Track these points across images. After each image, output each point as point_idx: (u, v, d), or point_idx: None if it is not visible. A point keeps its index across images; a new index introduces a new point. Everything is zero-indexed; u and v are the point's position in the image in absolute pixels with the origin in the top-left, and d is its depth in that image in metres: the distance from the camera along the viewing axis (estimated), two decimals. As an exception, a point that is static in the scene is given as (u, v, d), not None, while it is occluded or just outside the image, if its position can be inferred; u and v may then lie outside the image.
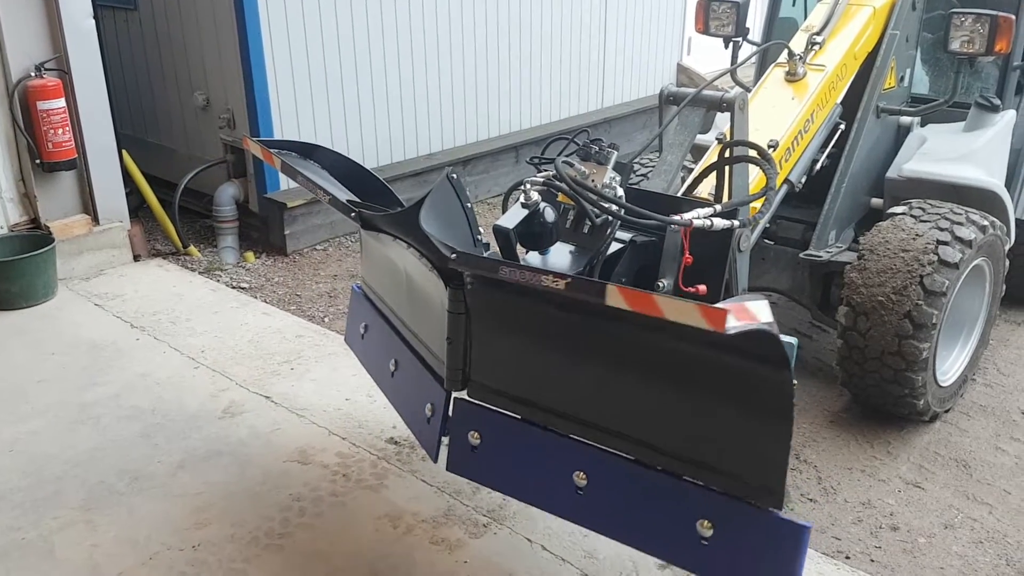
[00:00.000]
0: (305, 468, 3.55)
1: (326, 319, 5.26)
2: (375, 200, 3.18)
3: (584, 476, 2.45)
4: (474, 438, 2.69)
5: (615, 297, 2.04)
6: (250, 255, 6.06)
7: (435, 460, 2.84)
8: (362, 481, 3.47)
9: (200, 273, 5.68)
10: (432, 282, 2.74)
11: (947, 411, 4.24)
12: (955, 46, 4.07)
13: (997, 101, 4.45)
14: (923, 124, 4.66)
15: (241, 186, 6.16)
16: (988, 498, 3.65)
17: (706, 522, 2.27)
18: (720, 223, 2.98)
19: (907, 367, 3.84)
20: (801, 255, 4.29)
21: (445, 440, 2.77)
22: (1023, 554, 3.30)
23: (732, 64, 5.32)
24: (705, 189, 3.55)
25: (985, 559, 3.27)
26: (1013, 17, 4.03)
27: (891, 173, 4.39)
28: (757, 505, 2.22)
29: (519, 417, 2.64)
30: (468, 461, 2.73)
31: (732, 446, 2.23)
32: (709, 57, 9.36)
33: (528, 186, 2.91)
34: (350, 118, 6.38)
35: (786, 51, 4.20)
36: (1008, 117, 4.52)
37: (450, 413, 2.76)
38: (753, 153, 3.27)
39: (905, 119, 4.55)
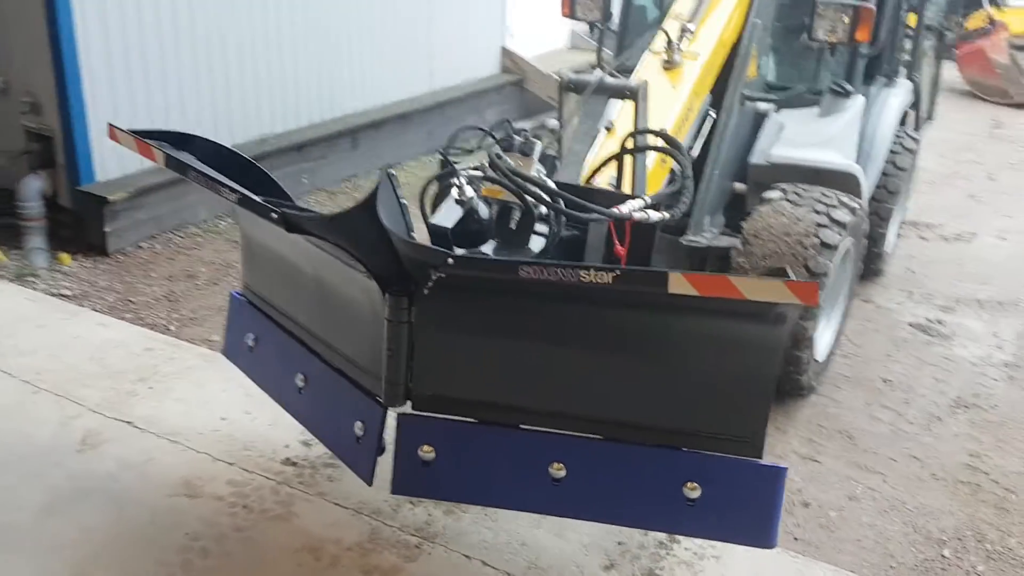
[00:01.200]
0: (196, 502, 3.13)
1: (172, 327, 4.72)
2: (261, 194, 2.85)
3: (562, 466, 2.40)
4: (426, 452, 2.48)
5: (680, 284, 1.99)
6: (65, 257, 5.34)
7: (370, 483, 2.57)
8: (267, 511, 3.11)
9: (10, 281, 4.94)
10: (362, 289, 2.48)
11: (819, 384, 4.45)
12: (819, 35, 4.22)
13: (850, 87, 4.67)
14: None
15: (49, 178, 5.41)
16: (878, 467, 3.83)
17: (691, 483, 2.34)
18: (655, 215, 2.91)
19: (794, 346, 3.96)
20: (682, 240, 4.31)
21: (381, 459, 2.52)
22: (925, 519, 3.48)
23: (599, 49, 5.29)
24: (604, 179, 3.46)
25: (894, 528, 3.42)
26: (874, 7, 4.23)
27: (756, 159, 4.50)
28: (740, 456, 2.33)
29: (477, 421, 2.48)
30: (420, 479, 2.53)
31: (716, 405, 2.31)
32: (531, 41, 9.39)
33: (462, 180, 2.69)
34: (171, 101, 5.77)
35: (659, 39, 4.18)
36: (859, 102, 4.76)
37: (385, 430, 2.51)
38: (657, 142, 3.22)
39: (762, 106, 4.68)
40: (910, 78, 5.90)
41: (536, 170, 2.89)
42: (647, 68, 4.10)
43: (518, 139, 2.89)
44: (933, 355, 4.83)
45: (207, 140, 3.06)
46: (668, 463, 2.37)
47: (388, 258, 2.35)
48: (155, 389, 3.83)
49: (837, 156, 4.45)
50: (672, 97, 3.99)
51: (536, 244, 2.86)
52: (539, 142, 2.93)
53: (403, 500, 3.12)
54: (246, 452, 3.43)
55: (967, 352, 4.88)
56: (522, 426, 2.47)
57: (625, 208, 2.81)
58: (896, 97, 5.54)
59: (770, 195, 4.18)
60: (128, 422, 3.57)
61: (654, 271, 2.13)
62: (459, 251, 2.61)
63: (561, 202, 2.70)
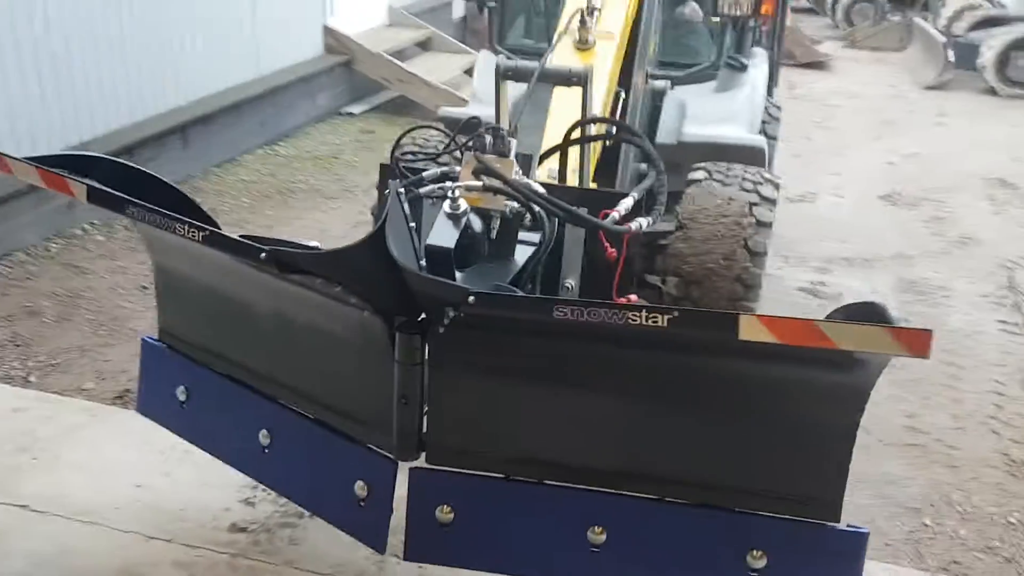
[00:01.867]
0: (145, 597, 2.64)
1: (32, 378, 4.00)
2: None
3: (602, 530, 2.12)
4: (445, 513, 2.18)
5: (754, 330, 1.70)
6: None
7: (384, 550, 2.25)
8: (234, 593, 2.67)
9: None
10: (357, 328, 2.15)
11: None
12: (724, 9, 4.17)
13: (746, 61, 4.68)
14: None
15: None
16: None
17: (756, 551, 2.06)
18: (644, 222, 2.74)
19: None
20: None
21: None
22: (893, 489, 3.53)
23: (490, 30, 4.99)
24: (543, 172, 3.24)
25: (869, 502, 3.42)
26: None
27: (665, 139, 4.41)
28: (815, 521, 2.05)
29: (503, 477, 2.19)
30: (437, 543, 2.23)
31: (787, 461, 2.04)
32: (353, 18, 8.87)
33: (457, 192, 2.38)
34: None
35: (566, 18, 3.96)
36: (754, 75, 4.78)
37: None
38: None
39: (659, 84, 4.60)
40: (764, 47, 6.05)
41: (516, 172, 2.62)
42: (561, 50, 3.88)
43: (490, 138, 2.58)
44: (831, 318, 4.99)
45: (105, 158, 2.59)
46: (728, 527, 2.08)
47: (396, 293, 2.03)
48: (41, 459, 3.23)
49: (743, 131, 4.44)
50: (593, 80, 3.81)
51: (521, 254, 2.60)
52: (513, 140, 2.64)
53: (388, 557, 2.78)
54: (182, 523, 2.94)
55: (857, 311, 5.08)
56: (553, 482, 2.17)
57: (633, 222, 2.62)
58: (759, 68, 5.65)
59: (695, 176, 4.09)
60: (23, 506, 2.97)
61: (721, 314, 1.86)
62: (469, 282, 2.31)
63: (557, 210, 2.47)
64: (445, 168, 2.56)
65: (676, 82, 4.64)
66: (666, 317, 1.74)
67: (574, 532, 2.13)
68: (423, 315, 2.11)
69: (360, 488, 2.23)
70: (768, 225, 3.89)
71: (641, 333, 1.78)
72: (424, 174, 2.52)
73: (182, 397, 2.64)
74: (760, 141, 4.45)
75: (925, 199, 7.07)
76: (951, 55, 11.02)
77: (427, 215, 2.47)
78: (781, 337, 1.69)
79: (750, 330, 1.70)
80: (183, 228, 2.12)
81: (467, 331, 2.01)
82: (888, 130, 9.25)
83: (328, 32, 8.45)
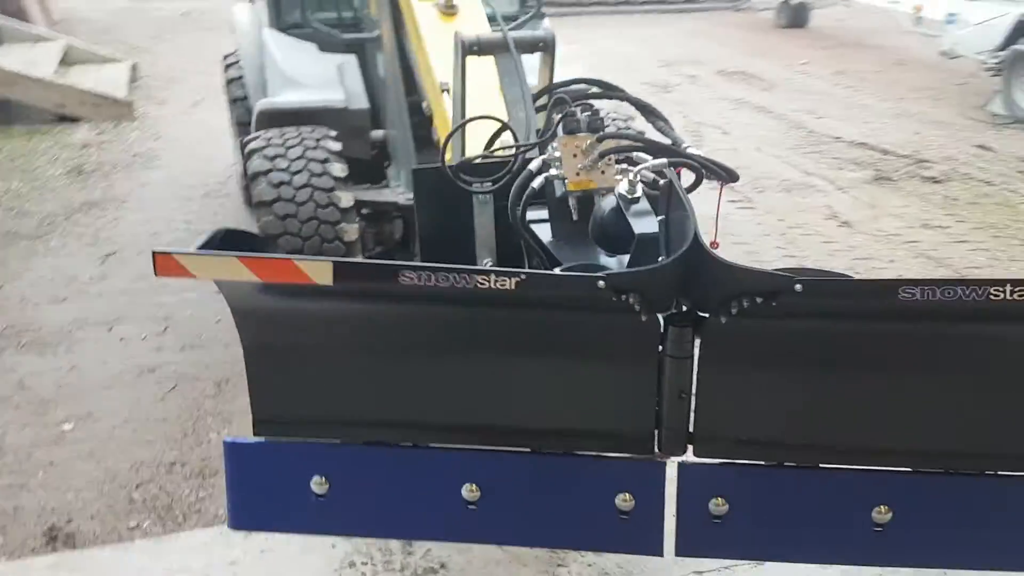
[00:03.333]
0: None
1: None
2: None
3: (887, 509, 2.04)
4: (718, 506, 2.08)
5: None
6: None
7: (662, 553, 2.15)
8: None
9: None
10: (620, 333, 1.97)
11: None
12: None
13: None
14: None
15: None
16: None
17: None
18: None
19: None
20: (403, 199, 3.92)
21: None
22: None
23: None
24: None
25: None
26: None
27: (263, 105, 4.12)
28: None
29: (776, 464, 2.10)
30: (710, 536, 2.13)
31: None
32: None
33: (636, 175, 2.23)
34: None
35: None
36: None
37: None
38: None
39: None
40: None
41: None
42: (425, 20, 3.54)
43: (584, 116, 2.36)
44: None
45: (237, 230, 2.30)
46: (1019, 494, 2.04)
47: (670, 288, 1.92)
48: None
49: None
50: None
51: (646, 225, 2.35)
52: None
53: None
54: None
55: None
56: (827, 465, 2.08)
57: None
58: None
59: None
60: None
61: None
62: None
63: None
64: (543, 156, 2.35)
65: None
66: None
67: (858, 513, 2.05)
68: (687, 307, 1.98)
69: (623, 501, 2.09)
70: None
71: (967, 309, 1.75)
72: (530, 166, 2.34)
73: (320, 489, 2.17)
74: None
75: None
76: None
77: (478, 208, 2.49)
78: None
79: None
80: (487, 280, 1.84)
81: (747, 320, 1.88)
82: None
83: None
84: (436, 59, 3.31)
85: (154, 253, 1.83)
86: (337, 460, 2.14)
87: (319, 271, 1.80)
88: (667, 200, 2.23)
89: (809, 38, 13.09)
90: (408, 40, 3.73)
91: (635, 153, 2.34)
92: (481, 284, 1.80)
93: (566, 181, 2.26)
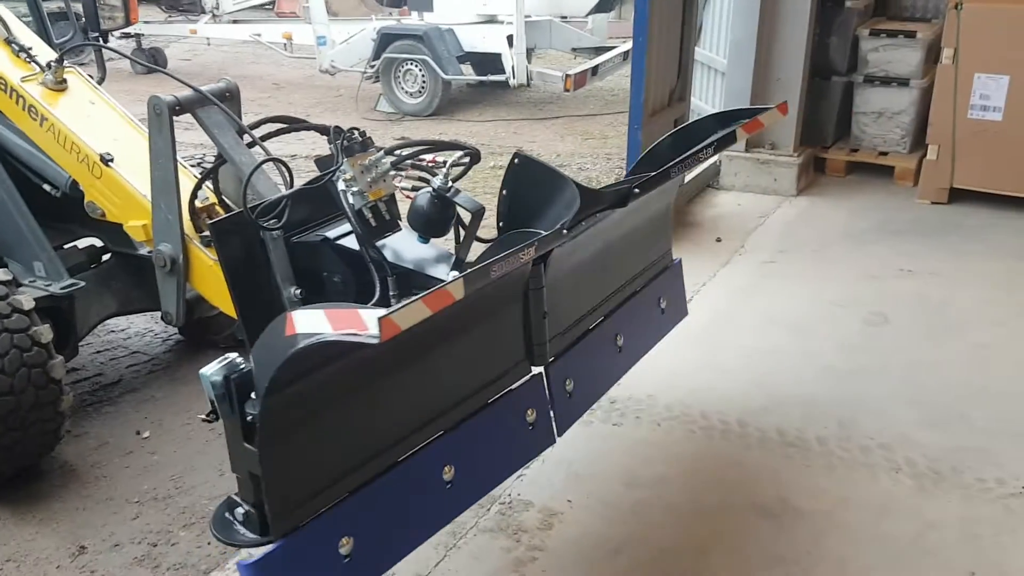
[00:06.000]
0: None
1: None
2: None
3: None
4: (569, 383, 2.76)
5: None
6: None
7: (555, 440, 2.74)
8: None
9: None
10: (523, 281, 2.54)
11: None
12: None
13: None
14: None
15: None
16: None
17: None
18: None
19: None
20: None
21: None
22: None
23: None
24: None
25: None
26: None
27: None
28: None
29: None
30: (569, 409, 2.79)
31: None
32: None
33: (448, 168, 2.73)
34: None
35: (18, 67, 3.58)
36: None
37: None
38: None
39: None
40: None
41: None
42: (45, 101, 3.41)
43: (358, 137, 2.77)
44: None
45: None
46: None
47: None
48: None
49: None
50: (106, 111, 3.57)
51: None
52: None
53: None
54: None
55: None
56: None
57: None
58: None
59: None
60: None
61: None
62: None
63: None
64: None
65: None
66: None
67: None
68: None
69: (530, 415, 2.61)
70: None
71: None
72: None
73: (347, 549, 2.10)
74: None
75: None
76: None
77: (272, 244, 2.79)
78: None
79: None
80: None
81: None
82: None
83: None
84: (83, 133, 3.30)
85: None
86: (355, 507, 2.11)
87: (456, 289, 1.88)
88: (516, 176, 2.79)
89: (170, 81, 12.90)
90: (3, 128, 3.57)
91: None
92: (523, 258, 2.17)
93: (365, 194, 2.72)
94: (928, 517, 3.05)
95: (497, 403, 2.53)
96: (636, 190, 2.61)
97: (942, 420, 3.60)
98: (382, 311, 1.67)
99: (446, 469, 2.33)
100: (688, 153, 2.79)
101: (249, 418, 1.96)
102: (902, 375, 3.95)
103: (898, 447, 3.42)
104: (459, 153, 2.79)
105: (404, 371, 2.21)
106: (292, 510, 2.00)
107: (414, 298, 1.77)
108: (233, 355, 2.05)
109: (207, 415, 2.08)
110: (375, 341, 1.64)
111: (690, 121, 3.21)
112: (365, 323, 1.66)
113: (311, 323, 1.74)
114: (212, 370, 2.01)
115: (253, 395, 1.96)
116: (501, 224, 2.76)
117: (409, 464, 2.26)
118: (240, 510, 2.07)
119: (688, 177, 6.33)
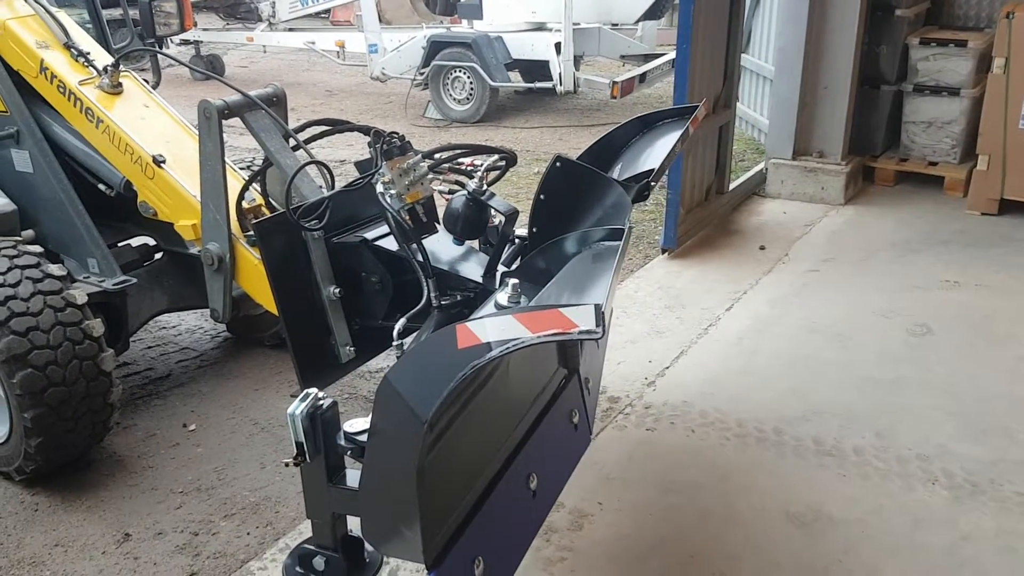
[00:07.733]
0: None
1: None
2: None
3: None
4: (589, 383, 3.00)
5: None
6: None
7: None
8: None
9: None
10: None
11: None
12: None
13: None
14: None
15: None
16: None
17: None
18: None
19: None
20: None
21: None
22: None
23: None
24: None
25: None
26: None
27: None
28: None
29: None
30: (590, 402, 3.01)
31: None
32: None
33: (484, 172, 2.81)
34: None
35: (60, 67, 3.68)
36: None
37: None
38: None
39: None
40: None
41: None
42: (101, 104, 3.55)
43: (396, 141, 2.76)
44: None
45: None
46: None
47: None
48: None
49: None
50: (158, 115, 3.68)
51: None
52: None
53: None
54: None
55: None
56: None
57: None
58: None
59: None
60: None
61: None
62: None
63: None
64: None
65: None
66: None
67: None
68: None
69: (574, 416, 2.71)
70: None
71: None
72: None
73: (479, 572, 2.10)
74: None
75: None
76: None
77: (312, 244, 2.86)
78: None
79: None
80: None
81: None
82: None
83: None
84: (137, 135, 3.43)
85: None
86: (477, 528, 2.09)
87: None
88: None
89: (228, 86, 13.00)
90: (61, 130, 3.70)
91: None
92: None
93: (403, 196, 2.78)
94: (963, 529, 3.01)
95: (551, 409, 2.59)
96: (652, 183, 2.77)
97: (982, 433, 3.55)
98: (590, 304, 1.59)
99: (531, 478, 2.39)
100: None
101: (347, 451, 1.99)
102: (943, 386, 3.90)
103: (936, 458, 3.38)
104: (495, 157, 2.84)
105: (491, 386, 2.20)
106: (434, 536, 1.92)
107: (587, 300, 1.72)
108: (314, 391, 2.06)
109: (294, 459, 2.01)
110: (599, 336, 1.57)
111: (616, 126, 3.16)
112: (574, 321, 1.57)
113: (499, 331, 1.62)
114: (298, 408, 1.96)
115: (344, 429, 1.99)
116: (535, 230, 2.78)
117: (507, 478, 2.26)
118: (319, 560, 2.03)
119: (732, 185, 6.32)
